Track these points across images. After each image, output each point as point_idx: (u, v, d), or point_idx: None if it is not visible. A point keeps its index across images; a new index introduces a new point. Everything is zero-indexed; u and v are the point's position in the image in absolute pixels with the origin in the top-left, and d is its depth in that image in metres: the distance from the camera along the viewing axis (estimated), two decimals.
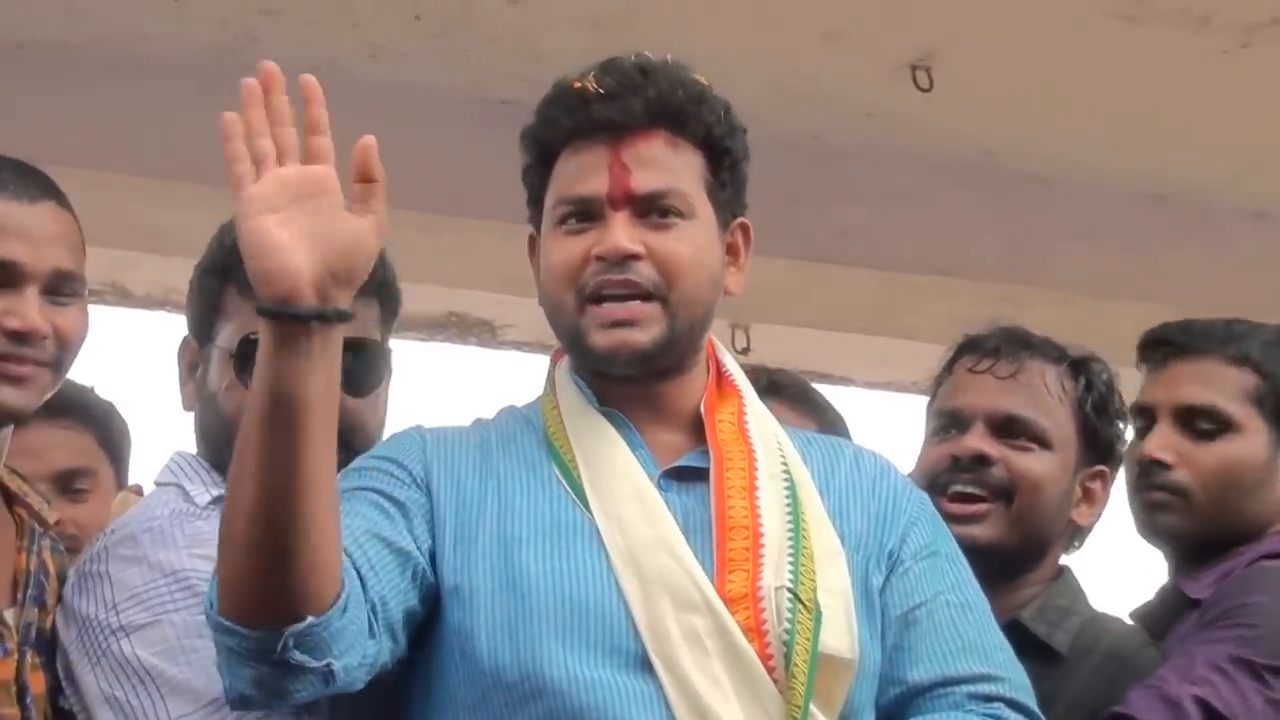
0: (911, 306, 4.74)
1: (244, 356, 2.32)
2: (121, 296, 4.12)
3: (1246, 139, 4.61)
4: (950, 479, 2.53)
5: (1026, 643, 2.45)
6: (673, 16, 4.06)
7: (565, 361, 2.28)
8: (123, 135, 4.13)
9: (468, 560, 2.12)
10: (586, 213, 2.17)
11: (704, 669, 2.05)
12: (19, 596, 2.19)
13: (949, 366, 2.65)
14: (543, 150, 2.23)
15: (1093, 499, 2.61)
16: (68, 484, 2.86)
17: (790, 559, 2.12)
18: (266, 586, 1.89)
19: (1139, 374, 2.76)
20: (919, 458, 2.63)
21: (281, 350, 1.83)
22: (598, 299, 2.16)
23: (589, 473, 2.16)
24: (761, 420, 2.27)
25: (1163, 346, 2.71)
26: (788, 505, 2.17)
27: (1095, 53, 4.26)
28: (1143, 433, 2.68)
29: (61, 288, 2.19)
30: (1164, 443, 2.63)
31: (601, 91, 2.18)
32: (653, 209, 2.17)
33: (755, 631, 2.07)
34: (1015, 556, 2.55)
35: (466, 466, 2.19)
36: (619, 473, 2.17)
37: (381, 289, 2.42)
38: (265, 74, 1.90)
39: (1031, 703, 2.20)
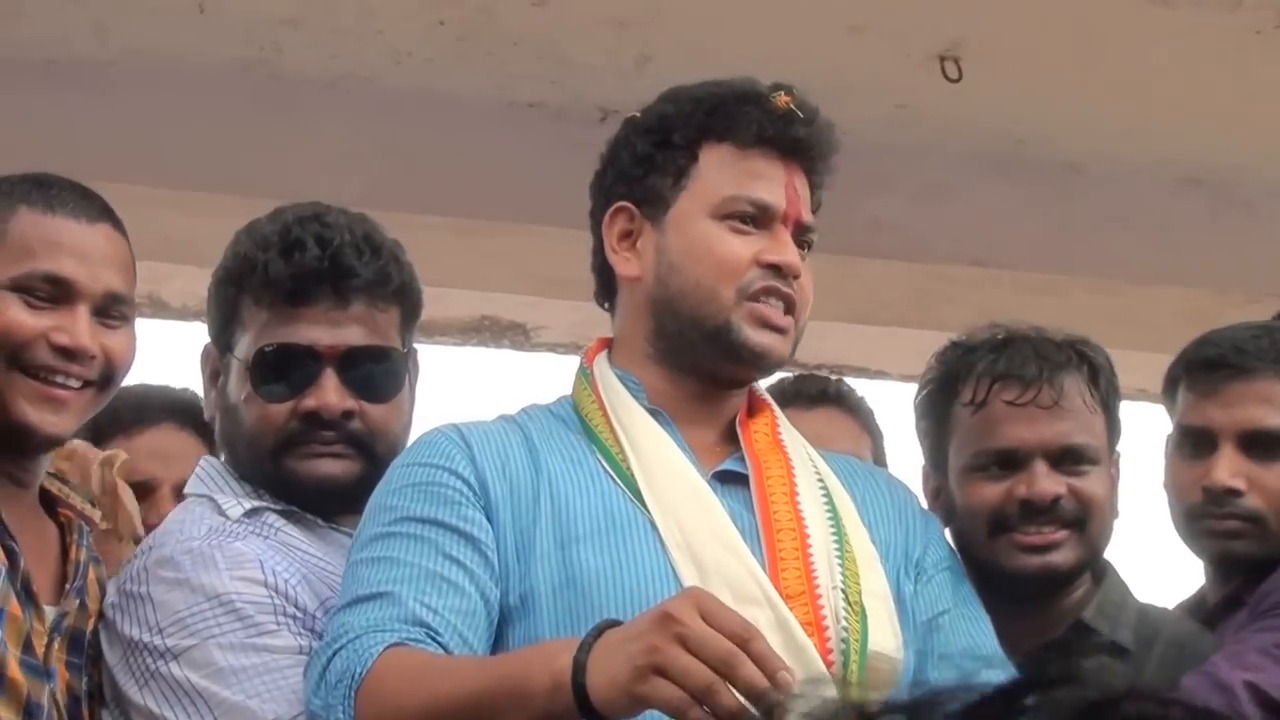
0: (946, 298, 4.70)
1: (261, 368, 2.38)
2: (158, 308, 4.17)
3: None
4: (1023, 521, 2.51)
5: (1089, 642, 2.52)
6: (698, 15, 4.06)
7: (603, 357, 2.32)
8: (154, 148, 4.15)
9: (529, 567, 2.16)
10: (758, 218, 2.26)
11: None
12: (65, 588, 2.24)
13: (976, 396, 2.55)
14: (694, 135, 2.29)
15: (1115, 484, 2.62)
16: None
17: (838, 561, 2.19)
18: None
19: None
20: (962, 493, 2.57)
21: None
22: (756, 299, 2.24)
23: (642, 468, 2.20)
24: (793, 434, 2.35)
25: (1220, 369, 2.64)
26: (827, 511, 2.24)
27: (1126, 36, 4.24)
28: (1192, 454, 2.66)
29: (111, 310, 2.25)
30: (1235, 469, 2.60)
31: (801, 115, 2.28)
32: (801, 240, 2.29)
33: (815, 627, 2.12)
34: (1084, 571, 2.58)
35: (518, 469, 2.22)
36: (673, 469, 2.22)
37: (401, 292, 2.45)
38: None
39: None
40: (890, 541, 2.30)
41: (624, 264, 2.30)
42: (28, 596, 2.16)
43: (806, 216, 2.30)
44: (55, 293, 2.21)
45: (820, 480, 2.28)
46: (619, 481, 2.21)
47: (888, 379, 5.02)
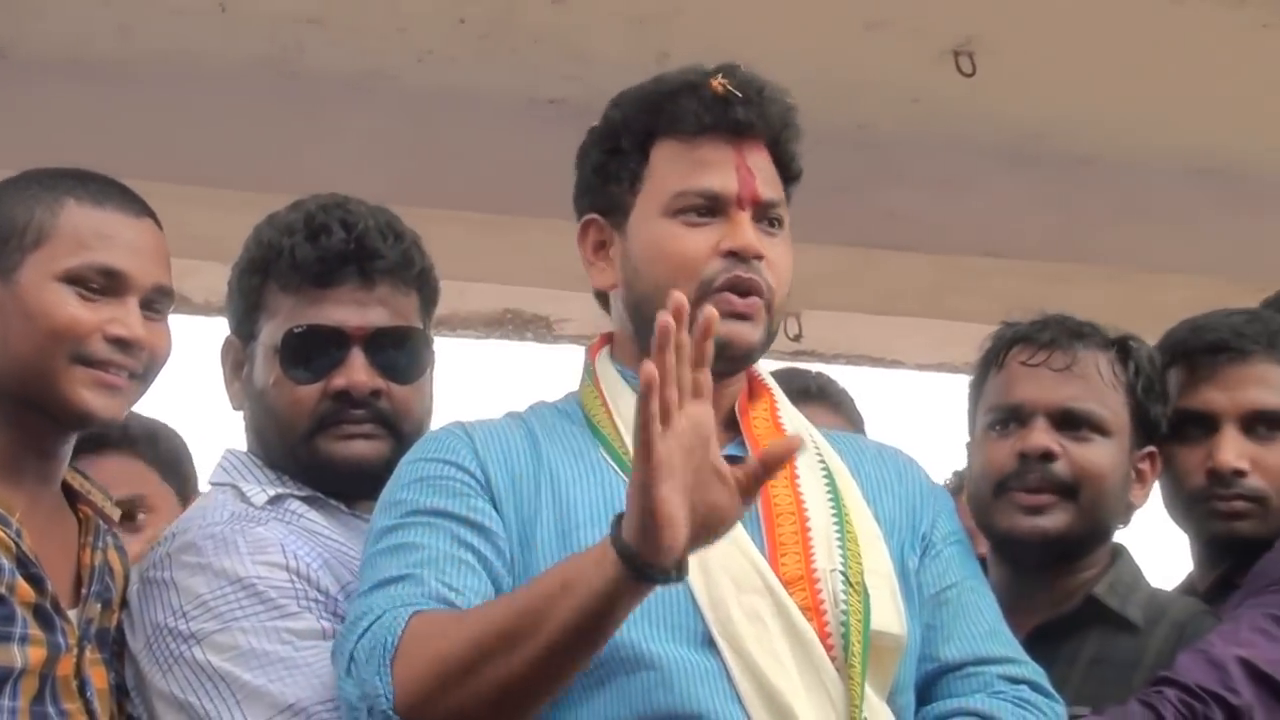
0: (961, 288, 4.77)
1: (289, 350, 2.37)
2: (181, 304, 4.13)
3: None
4: (1020, 480, 2.52)
5: (1099, 616, 2.53)
6: (716, 12, 4.07)
7: (605, 353, 2.30)
8: (177, 146, 4.18)
9: (530, 556, 2.13)
10: (711, 207, 2.20)
11: (767, 648, 2.06)
12: (83, 593, 2.22)
13: (998, 358, 2.60)
14: (642, 136, 2.24)
15: (1144, 479, 2.60)
16: (126, 515, 2.83)
17: (838, 543, 2.15)
18: None
19: None
20: (977, 452, 2.61)
21: (627, 594, 1.91)
22: (720, 291, 2.17)
23: None
24: (793, 417, 2.30)
25: (1220, 353, 2.64)
26: (828, 493, 2.20)
27: (1137, 30, 4.25)
28: (1190, 438, 2.65)
29: (155, 303, 2.25)
30: (1239, 450, 2.61)
31: (739, 95, 2.21)
32: (766, 216, 2.22)
33: (814, 611, 2.10)
34: (1081, 543, 2.56)
35: (519, 460, 2.20)
36: None
37: (422, 277, 2.46)
38: (677, 308, 1.86)
39: (1049, 686, 2.26)
40: (895, 518, 2.27)
41: (599, 275, 2.28)
42: (56, 613, 2.16)
43: (766, 194, 2.21)
44: (108, 285, 2.20)
45: (822, 461, 2.25)
46: (620, 472, 2.16)
47: (903, 368, 5.06)
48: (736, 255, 2.17)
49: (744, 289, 2.17)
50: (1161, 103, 4.55)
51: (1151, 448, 2.60)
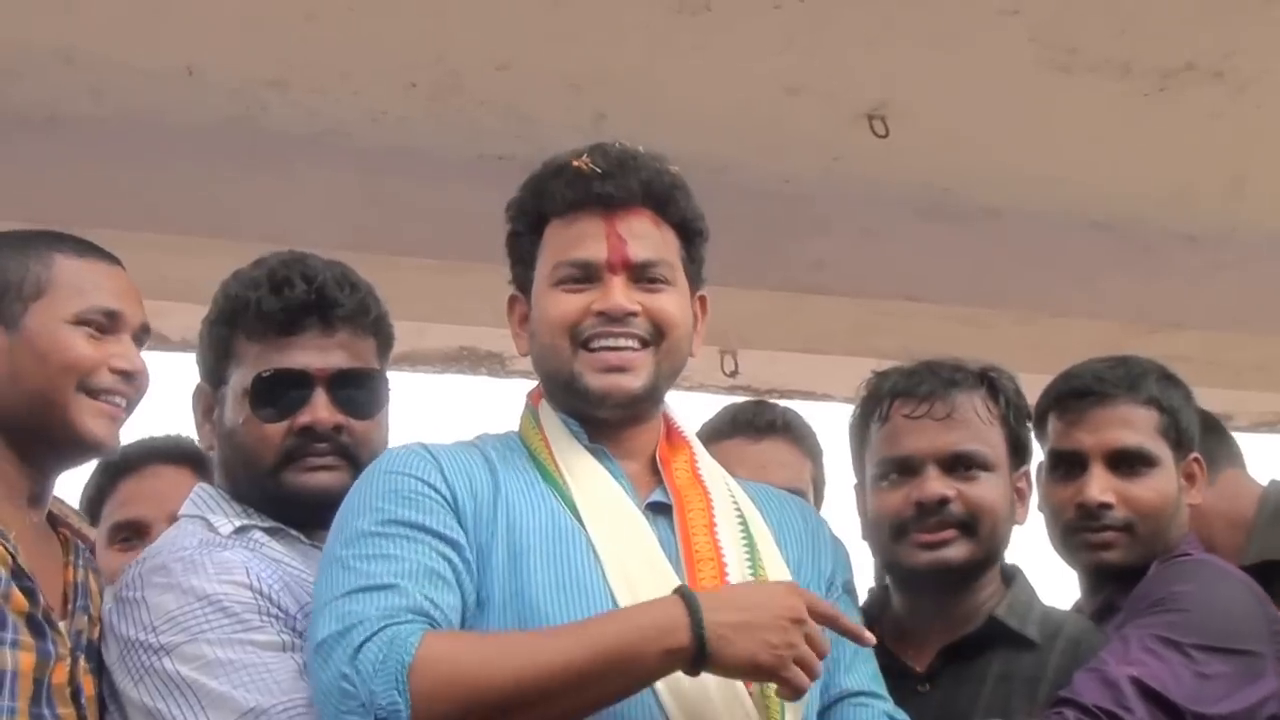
0: (882, 329, 4.79)
1: (258, 392, 2.41)
2: (158, 341, 4.12)
3: (1172, 170, 4.66)
4: (917, 525, 2.55)
5: (1001, 634, 2.58)
6: (647, 78, 4.08)
7: (546, 401, 2.35)
8: (153, 198, 4.15)
9: (485, 576, 2.16)
10: (586, 275, 2.27)
11: (694, 679, 2.08)
12: (69, 608, 2.27)
13: (881, 411, 2.63)
14: (534, 219, 2.33)
15: (1023, 497, 2.65)
16: None
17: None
18: None
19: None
20: (871, 499, 2.62)
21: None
22: (591, 345, 2.25)
23: (582, 497, 2.23)
24: (711, 467, 2.37)
25: (1085, 397, 2.71)
26: (743, 539, 2.27)
27: (1033, 98, 4.31)
28: (1065, 475, 2.71)
29: (140, 339, 2.37)
30: (1104, 485, 2.67)
31: (599, 170, 2.28)
32: (645, 275, 2.29)
33: None
34: (980, 569, 2.60)
35: (480, 484, 2.22)
36: (610, 499, 2.24)
37: (378, 323, 2.52)
38: None
39: None
40: (802, 560, 2.34)
41: (519, 343, 2.39)
42: (48, 623, 2.19)
43: (639, 256, 2.28)
44: (108, 324, 2.31)
45: (738, 510, 2.30)
46: (561, 504, 2.23)
47: (832, 400, 5.08)
48: (606, 314, 2.24)
49: (612, 344, 2.24)
50: (1059, 162, 4.60)
51: (1026, 467, 2.64)
